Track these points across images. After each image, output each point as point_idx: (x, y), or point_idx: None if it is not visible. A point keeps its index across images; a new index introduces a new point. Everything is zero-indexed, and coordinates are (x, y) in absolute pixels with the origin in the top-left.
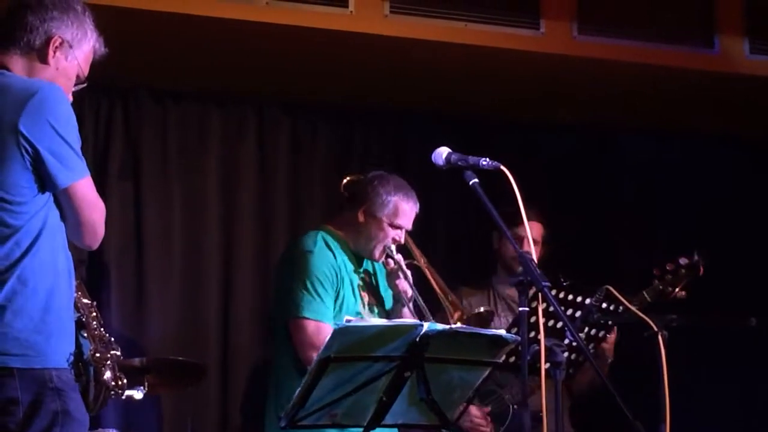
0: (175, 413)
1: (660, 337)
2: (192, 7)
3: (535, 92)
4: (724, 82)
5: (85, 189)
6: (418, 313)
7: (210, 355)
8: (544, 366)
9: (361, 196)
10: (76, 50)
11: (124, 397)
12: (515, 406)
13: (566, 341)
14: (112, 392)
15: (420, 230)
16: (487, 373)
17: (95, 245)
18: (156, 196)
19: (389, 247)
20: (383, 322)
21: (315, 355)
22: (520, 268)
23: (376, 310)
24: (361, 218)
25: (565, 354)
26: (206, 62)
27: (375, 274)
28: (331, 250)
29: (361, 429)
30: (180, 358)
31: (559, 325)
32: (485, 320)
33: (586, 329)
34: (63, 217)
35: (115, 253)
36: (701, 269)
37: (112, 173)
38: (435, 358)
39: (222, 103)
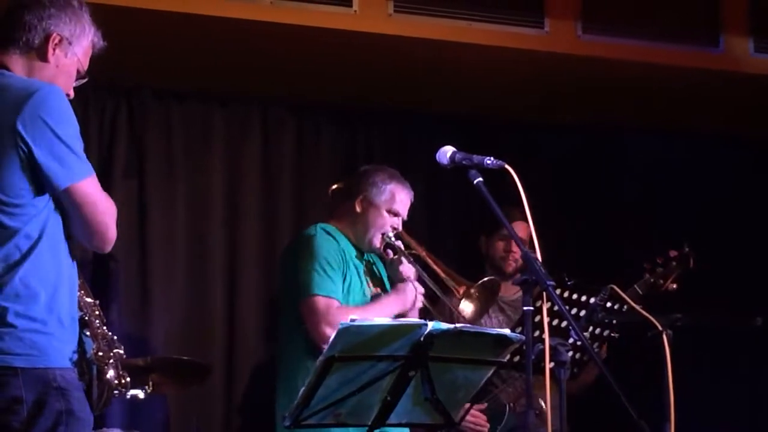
0: (180, 413)
1: (664, 337)
2: (196, 6)
3: (539, 91)
4: (729, 81)
5: (86, 189)
6: (428, 291)
7: (215, 355)
8: (548, 365)
9: (357, 187)
10: (75, 46)
11: (128, 396)
12: (511, 405)
13: (571, 340)
14: (116, 391)
15: (424, 229)
16: (491, 372)
17: (105, 247)
18: (160, 195)
19: (388, 236)
20: (388, 321)
21: (329, 331)
22: (511, 270)
23: (382, 295)
24: (358, 208)
25: (570, 353)
26: (210, 62)
27: (375, 264)
28: (333, 238)
29: (366, 428)
30: (185, 358)
31: (564, 324)
32: (491, 289)
33: (591, 328)
34: (67, 219)
35: (120, 252)
36: (691, 261)
37: (116, 173)
38: (439, 358)
39: (226, 103)
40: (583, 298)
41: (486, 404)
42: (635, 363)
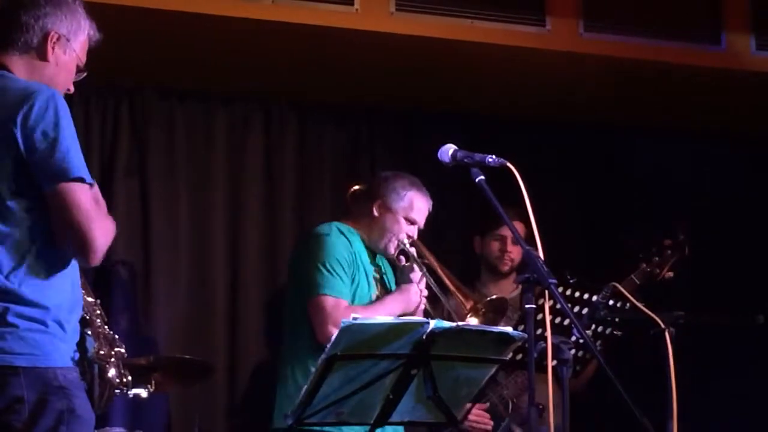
0: (182, 412)
1: (667, 335)
2: (198, 5)
3: (540, 89)
4: (731, 78)
5: (76, 194)
6: (436, 301)
7: (217, 354)
8: (551, 363)
9: (376, 191)
10: (73, 42)
11: (131, 395)
12: (513, 401)
13: (573, 338)
14: (117, 390)
15: (429, 228)
16: (494, 370)
17: (89, 259)
18: (163, 194)
19: (403, 242)
20: (390, 319)
21: (334, 331)
22: (506, 270)
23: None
24: (375, 212)
25: (572, 351)
26: (212, 61)
27: (386, 273)
28: (347, 237)
29: (368, 427)
30: (187, 357)
31: (566, 322)
32: (499, 307)
33: (593, 326)
34: (52, 223)
35: (122, 251)
36: (686, 249)
37: (118, 172)
38: (441, 356)
39: (228, 102)
40: (586, 295)
41: (488, 403)
42: (638, 361)
